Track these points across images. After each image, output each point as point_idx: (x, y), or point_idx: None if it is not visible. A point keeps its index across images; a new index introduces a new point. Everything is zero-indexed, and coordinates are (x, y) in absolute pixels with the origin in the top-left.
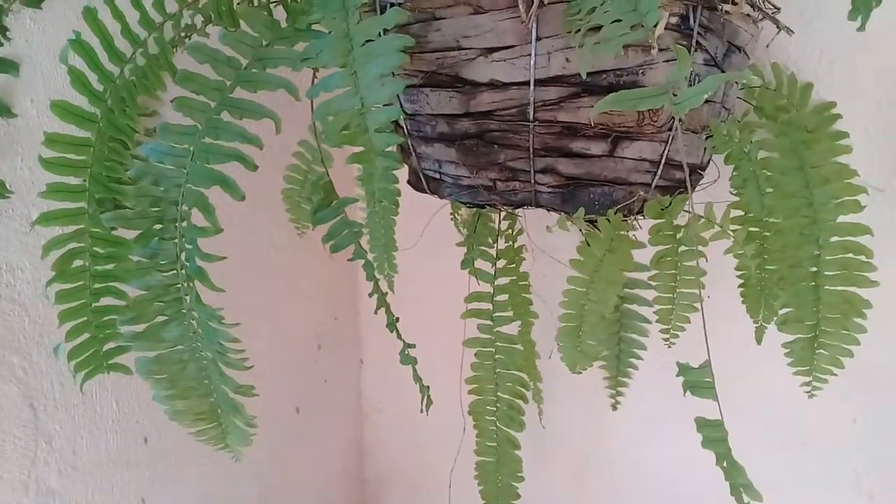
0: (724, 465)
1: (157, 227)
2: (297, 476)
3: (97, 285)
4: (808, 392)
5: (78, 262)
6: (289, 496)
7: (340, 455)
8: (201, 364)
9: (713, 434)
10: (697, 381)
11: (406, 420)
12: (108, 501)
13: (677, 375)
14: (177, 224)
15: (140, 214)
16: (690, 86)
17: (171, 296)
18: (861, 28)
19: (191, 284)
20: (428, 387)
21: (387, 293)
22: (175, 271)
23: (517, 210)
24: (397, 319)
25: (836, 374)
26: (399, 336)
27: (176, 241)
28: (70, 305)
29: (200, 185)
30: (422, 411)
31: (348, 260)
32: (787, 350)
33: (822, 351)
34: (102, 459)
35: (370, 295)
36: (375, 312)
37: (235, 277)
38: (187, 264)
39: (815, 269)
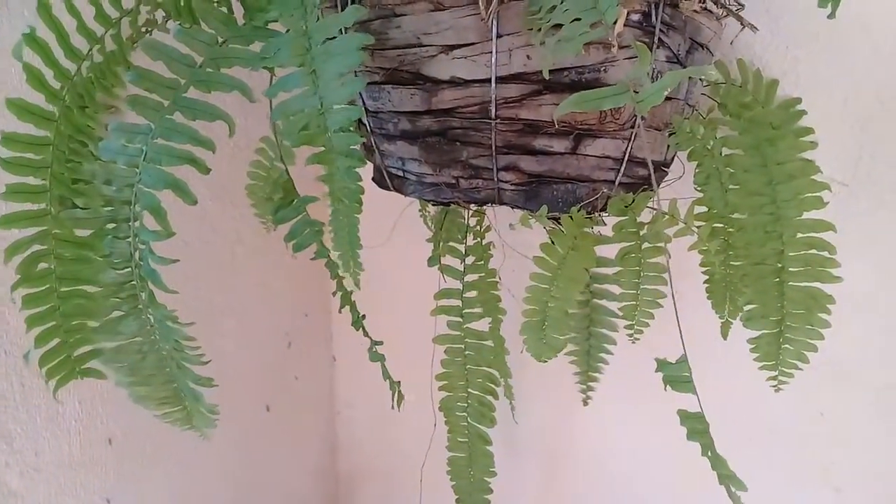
0: (709, 455)
1: (111, 226)
2: (269, 474)
3: (64, 288)
4: (774, 386)
5: (43, 265)
6: (261, 495)
7: (313, 452)
8: (160, 355)
9: (696, 426)
10: (676, 375)
11: (379, 417)
12: (72, 503)
13: (656, 371)
14: (130, 224)
15: (92, 214)
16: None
17: (126, 292)
18: (831, 16)
19: (145, 284)
20: (398, 383)
21: (352, 291)
22: (130, 269)
23: (484, 207)
24: (363, 317)
25: (801, 369)
26: (366, 333)
27: (129, 240)
28: (37, 310)
29: (153, 186)
30: (393, 407)
31: (311, 259)
32: (753, 345)
33: (787, 346)
34: (65, 460)
35: (334, 294)
36: (340, 311)
37: (200, 274)
38: (141, 264)
39: (779, 265)
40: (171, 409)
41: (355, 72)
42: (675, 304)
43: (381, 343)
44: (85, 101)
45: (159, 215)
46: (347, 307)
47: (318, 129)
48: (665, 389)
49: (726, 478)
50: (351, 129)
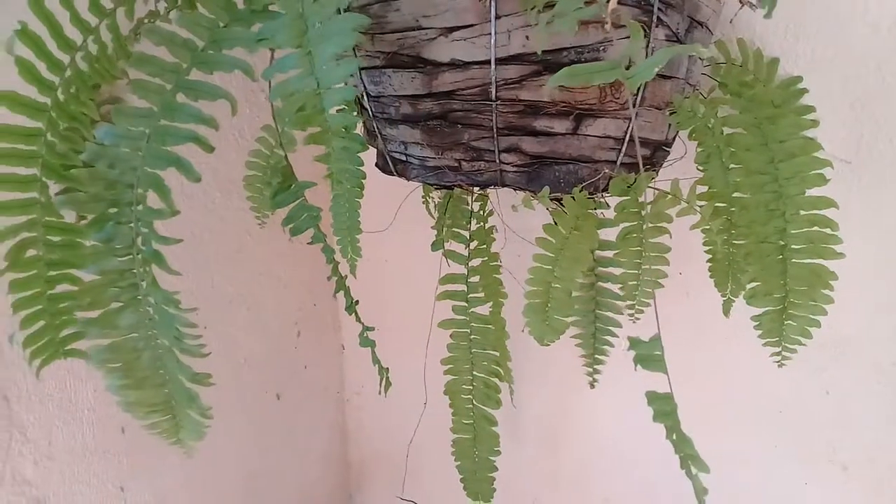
0: (674, 437)
1: (112, 210)
2: (280, 462)
3: (52, 273)
4: (777, 362)
5: (31, 252)
6: (273, 482)
7: (323, 440)
8: (156, 353)
9: (663, 407)
10: (647, 354)
11: (388, 403)
12: (86, 491)
13: (628, 349)
14: (132, 207)
15: (94, 198)
16: None
17: (126, 281)
18: (767, 15)
19: (147, 269)
20: (387, 369)
21: (346, 276)
22: (131, 256)
23: (487, 190)
24: (356, 303)
25: (804, 345)
26: (358, 319)
27: (132, 224)
28: (24, 294)
29: (156, 167)
30: (380, 393)
31: (307, 244)
32: (756, 323)
33: (790, 322)
34: (79, 449)
35: (328, 278)
36: (334, 295)
37: (209, 265)
38: (143, 248)
39: (781, 242)
40: (160, 417)
41: (354, 52)
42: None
43: (372, 329)
44: (79, 90)
45: (163, 192)
46: (342, 292)
47: (314, 109)
48: (635, 369)
49: (689, 458)
50: (346, 109)
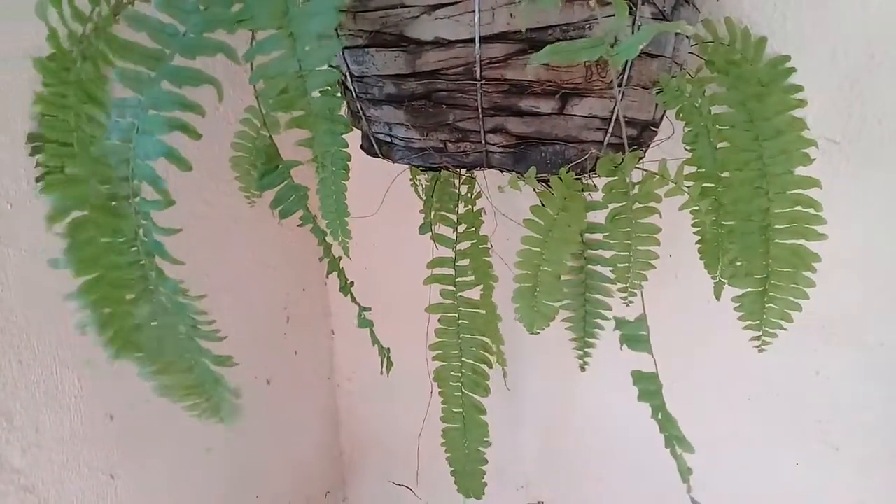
0: (659, 417)
1: (112, 204)
2: (270, 448)
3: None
4: (758, 347)
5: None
6: (264, 468)
7: (315, 426)
8: (178, 339)
9: (648, 387)
10: (633, 334)
11: (380, 389)
12: (75, 478)
13: (614, 329)
14: (130, 200)
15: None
16: None
17: (136, 273)
18: None
19: (152, 261)
20: (388, 349)
21: (340, 258)
22: (136, 248)
23: (474, 172)
24: (352, 283)
25: (785, 329)
26: (354, 300)
27: (132, 217)
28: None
29: (148, 157)
30: (381, 373)
31: (297, 225)
32: (738, 304)
33: (771, 305)
34: (67, 437)
35: (321, 259)
36: (327, 276)
37: (196, 251)
38: (145, 240)
39: (765, 222)
40: (197, 399)
41: (336, 32)
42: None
43: (369, 309)
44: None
45: (157, 185)
46: (335, 273)
47: (297, 91)
48: (621, 349)
49: (674, 438)
50: (329, 91)
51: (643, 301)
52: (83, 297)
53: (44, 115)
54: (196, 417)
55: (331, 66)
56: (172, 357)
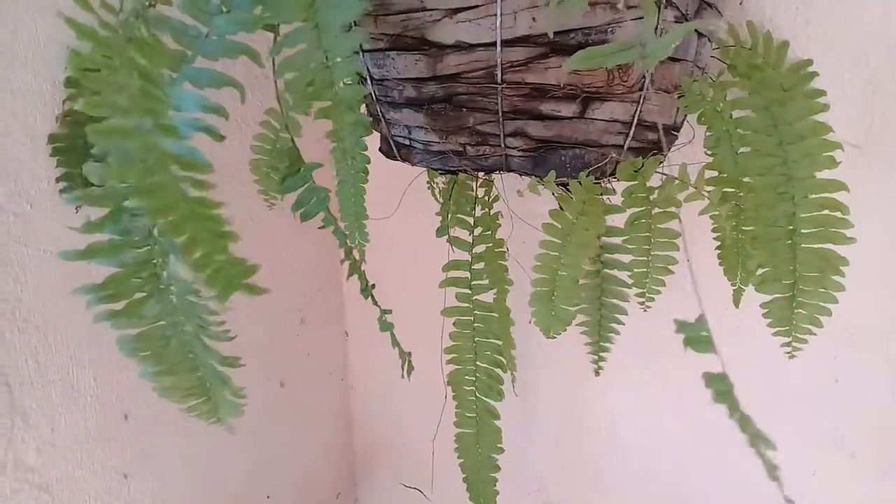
0: (737, 417)
1: (127, 203)
2: (284, 449)
3: None
4: (788, 353)
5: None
6: (276, 469)
7: (327, 427)
8: (184, 339)
9: (721, 387)
10: (695, 335)
11: (392, 391)
12: (89, 477)
13: (676, 332)
14: None
15: (108, 192)
16: None
17: (147, 272)
18: None
19: (165, 259)
20: (409, 353)
21: (363, 260)
22: (149, 247)
23: (492, 176)
24: (373, 286)
25: (815, 334)
26: (375, 302)
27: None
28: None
29: None
30: (403, 376)
31: (318, 228)
32: (766, 310)
33: (800, 310)
34: (82, 436)
35: (342, 262)
36: (347, 278)
37: None
38: (160, 239)
39: (791, 227)
40: (197, 400)
41: (355, 23)
42: (690, 266)
43: (390, 312)
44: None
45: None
46: (356, 276)
47: (324, 82)
48: (685, 350)
49: (755, 436)
50: (356, 81)
51: (700, 301)
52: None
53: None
54: (195, 418)
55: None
56: (178, 357)
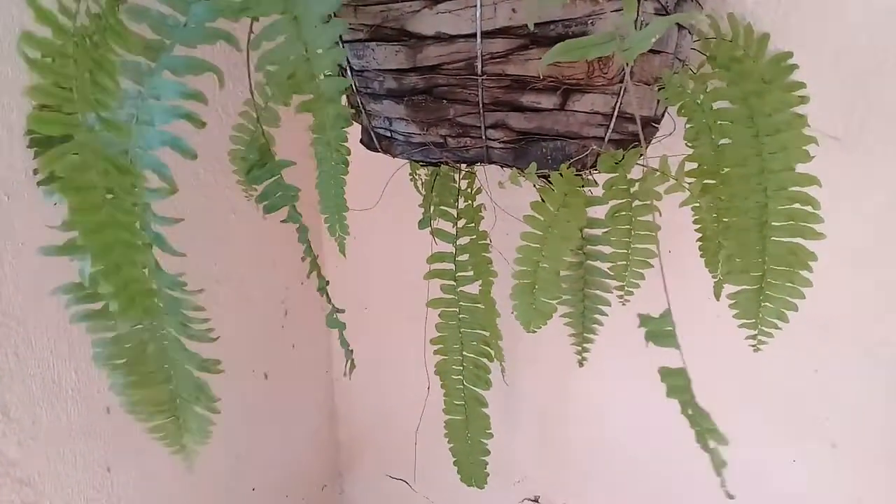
0: (689, 412)
1: (109, 196)
2: (268, 441)
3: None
4: (753, 346)
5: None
6: (261, 462)
7: (312, 419)
8: (162, 345)
9: (676, 382)
10: (658, 329)
11: (377, 383)
12: (72, 471)
13: (639, 326)
14: (131, 191)
15: (88, 185)
16: None
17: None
18: None
19: (150, 252)
20: (352, 350)
21: (318, 256)
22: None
23: (474, 167)
24: (327, 283)
25: (780, 328)
26: (328, 300)
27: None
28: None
29: (149, 147)
30: (344, 374)
31: (282, 221)
32: (733, 301)
33: (767, 304)
34: (63, 430)
35: (302, 259)
36: (308, 276)
37: (194, 243)
38: (143, 232)
39: (763, 219)
40: (164, 419)
41: (335, 14)
42: (661, 260)
43: (342, 311)
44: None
45: (162, 172)
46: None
47: (305, 75)
48: (647, 345)
49: (707, 432)
50: (336, 73)
51: (668, 295)
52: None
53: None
54: (157, 441)
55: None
56: (153, 366)
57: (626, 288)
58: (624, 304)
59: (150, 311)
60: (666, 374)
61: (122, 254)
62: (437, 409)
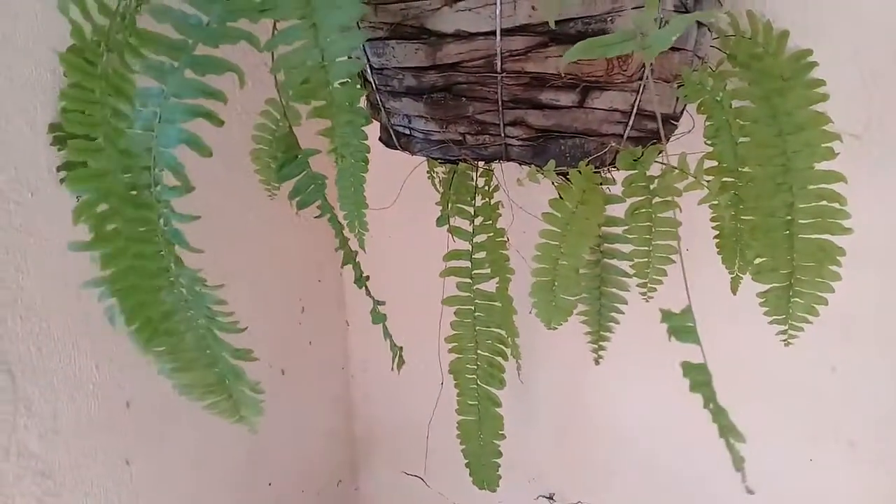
0: (710, 407)
1: (132, 193)
2: (285, 437)
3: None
4: (784, 341)
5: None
6: (277, 457)
7: (328, 415)
8: (199, 333)
9: (698, 377)
10: (680, 325)
11: (393, 380)
12: (92, 464)
13: (661, 321)
14: (151, 189)
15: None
16: None
17: (156, 264)
18: None
19: (171, 249)
20: (401, 347)
21: (356, 252)
22: (157, 238)
23: (492, 165)
24: (367, 277)
25: (811, 322)
26: (369, 293)
27: (153, 206)
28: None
29: (169, 145)
30: (392, 369)
31: (315, 217)
32: (763, 299)
33: (797, 299)
34: (84, 423)
35: (336, 250)
36: (342, 267)
37: (212, 241)
38: (165, 228)
39: (788, 217)
40: (217, 398)
41: (357, 24)
42: (681, 257)
43: (383, 303)
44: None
45: (177, 171)
46: (350, 265)
47: (318, 82)
48: (669, 340)
49: (726, 428)
50: (351, 82)
51: (688, 292)
52: (111, 286)
53: (68, 110)
54: (217, 416)
55: (352, 56)
56: (194, 353)
57: (648, 285)
58: (648, 301)
59: (171, 333)
60: (688, 369)
61: (144, 294)
62: (452, 405)
